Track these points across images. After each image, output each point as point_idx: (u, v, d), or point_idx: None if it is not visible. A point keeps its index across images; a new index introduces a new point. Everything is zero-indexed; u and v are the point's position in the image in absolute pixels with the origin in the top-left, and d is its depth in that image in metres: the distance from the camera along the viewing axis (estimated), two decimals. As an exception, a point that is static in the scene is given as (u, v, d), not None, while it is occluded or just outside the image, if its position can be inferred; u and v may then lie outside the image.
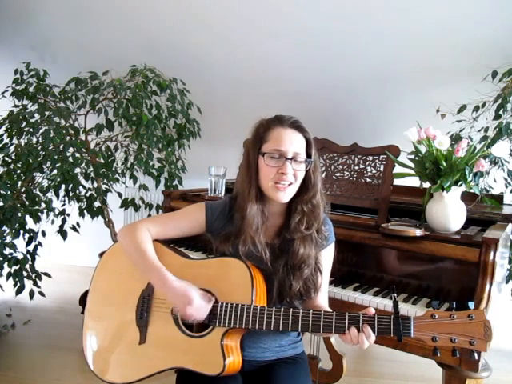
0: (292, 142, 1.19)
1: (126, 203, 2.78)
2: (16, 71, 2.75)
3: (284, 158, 1.18)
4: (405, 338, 1.02)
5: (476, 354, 0.99)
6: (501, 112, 2.27)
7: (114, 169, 2.69)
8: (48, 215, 2.60)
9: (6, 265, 2.39)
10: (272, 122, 1.23)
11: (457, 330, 0.99)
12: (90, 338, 1.31)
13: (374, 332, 1.04)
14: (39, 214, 2.49)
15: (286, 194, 1.20)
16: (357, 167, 1.82)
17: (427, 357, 1.35)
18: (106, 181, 2.69)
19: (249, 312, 1.13)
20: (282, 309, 1.12)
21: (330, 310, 1.21)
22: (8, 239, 2.39)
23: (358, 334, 1.05)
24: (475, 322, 0.98)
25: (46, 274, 2.54)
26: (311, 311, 1.11)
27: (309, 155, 1.23)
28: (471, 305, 1.01)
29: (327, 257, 1.30)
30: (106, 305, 1.32)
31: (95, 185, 2.70)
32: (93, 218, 2.70)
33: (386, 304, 1.45)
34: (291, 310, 1.12)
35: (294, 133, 1.21)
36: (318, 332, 1.10)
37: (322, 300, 1.28)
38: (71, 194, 2.62)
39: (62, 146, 2.46)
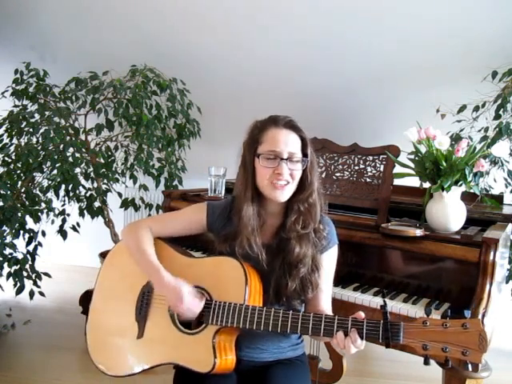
0: (287, 143, 1.19)
1: (126, 203, 2.78)
2: (16, 71, 2.74)
3: (279, 159, 1.17)
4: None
5: (470, 365, 0.96)
6: (501, 112, 2.27)
7: (114, 169, 2.69)
8: (48, 215, 2.60)
9: (6, 265, 2.38)
10: (266, 122, 1.22)
11: (449, 338, 0.95)
12: (93, 331, 1.34)
13: (362, 337, 1.02)
14: (39, 213, 2.49)
15: (283, 193, 1.20)
16: (357, 167, 1.82)
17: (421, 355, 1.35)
18: (106, 181, 2.69)
19: (240, 311, 1.14)
20: (273, 309, 1.12)
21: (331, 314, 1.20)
22: (8, 239, 2.39)
23: (345, 338, 1.03)
24: (470, 332, 0.93)
25: (46, 274, 2.54)
26: (301, 313, 1.10)
27: (305, 154, 1.22)
28: (467, 313, 0.98)
29: (329, 260, 1.28)
30: (109, 300, 1.35)
31: (95, 185, 2.70)
32: (93, 218, 2.70)
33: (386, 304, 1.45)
34: (282, 310, 1.11)
35: (289, 132, 1.20)
36: (307, 334, 1.09)
37: (324, 305, 1.26)
38: (71, 194, 2.62)
39: (62, 145, 2.45)
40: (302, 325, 1.09)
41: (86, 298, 1.39)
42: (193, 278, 1.23)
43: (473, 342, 0.93)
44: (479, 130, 2.38)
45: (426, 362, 0.99)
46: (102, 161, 2.65)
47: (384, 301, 1.04)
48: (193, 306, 1.17)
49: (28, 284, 2.47)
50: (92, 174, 2.64)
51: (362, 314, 1.06)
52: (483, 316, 1.31)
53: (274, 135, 1.19)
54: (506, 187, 2.47)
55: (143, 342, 1.26)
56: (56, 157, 2.44)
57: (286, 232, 1.22)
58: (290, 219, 1.22)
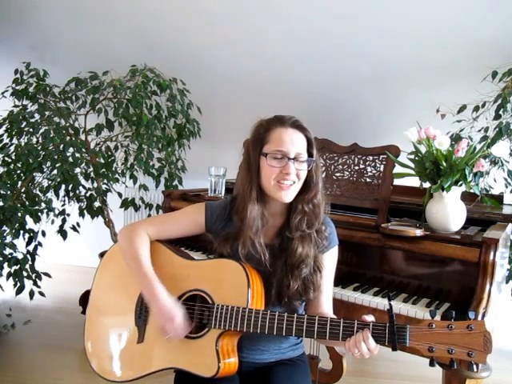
0: (294, 142, 1.18)
1: (126, 203, 2.79)
2: (16, 71, 2.75)
3: (287, 159, 1.17)
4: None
5: (475, 366, 0.96)
6: (501, 112, 2.27)
7: (114, 169, 2.69)
8: (48, 215, 2.60)
9: (6, 265, 2.38)
10: (272, 122, 1.21)
11: (455, 340, 0.95)
12: (91, 336, 1.32)
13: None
14: (39, 213, 2.49)
15: (288, 194, 1.19)
16: (357, 167, 1.82)
17: (427, 357, 1.35)
18: (106, 181, 2.69)
19: (244, 314, 1.13)
20: (277, 312, 1.11)
21: (334, 317, 1.19)
22: (8, 239, 2.39)
23: (357, 339, 1.02)
24: (474, 333, 0.94)
25: (46, 274, 2.54)
26: (305, 316, 1.10)
27: (310, 154, 1.22)
28: (471, 315, 0.97)
29: (330, 260, 1.28)
30: (107, 304, 1.33)
31: (95, 185, 2.70)
32: (93, 218, 2.71)
33: (386, 304, 1.43)
34: (286, 314, 1.11)
35: (296, 132, 1.19)
36: (312, 337, 1.09)
37: (325, 306, 1.26)
38: (71, 194, 2.62)
39: (62, 146, 2.46)
40: (308, 328, 1.08)
41: (86, 298, 1.37)
42: (193, 280, 1.22)
43: (478, 344, 0.94)
44: (479, 130, 2.38)
45: (432, 364, 0.99)
46: (102, 161, 2.65)
47: (390, 304, 1.04)
48: (180, 328, 1.17)
49: (28, 284, 2.47)
50: (92, 174, 2.64)
51: (367, 318, 1.05)
52: (483, 316, 1.31)
53: (280, 135, 1.18)
54: (506, 187, 2.47)
55: (144, 346, 1.24)
56: (56, 157, 2.44)
57: (290, 232, 1.21)
58: (294, 219, 1.21)
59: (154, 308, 1.20)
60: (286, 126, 1.19)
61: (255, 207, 1.20)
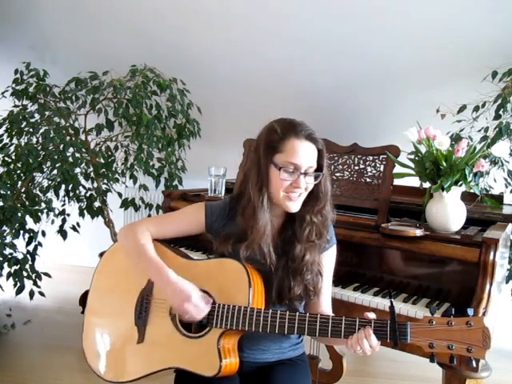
0: (307, 156, 1.17)
1: (126, 203, 2.79)
2: (16, 71, 2.75)
3: (298, 172, 1.16)
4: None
5: (474, 362, 0.97)
6: (501, 112, 2.27)
7: (114, 169, 2.69)
8: (48, 215, 2.60)
9: (6, 265, 2.39)
10: (287, 131, 1.17)
11: (454, 336, 0.97)
12: (89, 336, 1.31)
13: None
14: (39, 213, 2.49)
15: (296, 204, 1.19)
16: (357, 167, 1.82)
17: (427, 357, 1.35)
18: (106, 181, 2.69)
19: (245, 314, 1.13)
20: (279, 311, 1.12)
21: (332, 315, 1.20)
22: (8, 239, 2.39)
23: (359, 336, 1.03)
24: (473, 329, 0.96)
25: (46, 274, 2.54)
26: (307, 314, 1.10)
27: (320, 165, 1.21)
28: (470, 311, 0.99)
29: (329, 260, 1.29)
30: (106, 304, 1.33)
31: (95, 185, 2.71)
32: (93, 218, 2.71)
33: (386, 304, 1.45)
34: (287, 312, 1.11)
35: (309, 145, 1.18)
36: (314, 335, 1.09)
37: (325, 306, 1.27)
38: (71, 194, 2.62)
39: (62, 146, 2.46)
40: (309, 326, 1.09)
41: (86, 298, 1.37)
42: (194, 280, 1.22)
43: (477, 339, 0.95)
44: (479, 130, 2.38)
45: (432, 360, 1.01)
46: (102, 161, 2.65)
47: (391, 301, 1.04)
48: (199, 306, 1.15)
49: (28, 284, 2.47)
50: (92, 174, 2.65)
51: (369, 315, 1.06)
52: (483, 316, 1.31)
53: (294, 146, 1.16)
54: (506, 187, 2.47)
55: (144, 346, 1.24)
56: (56, 157, 2.45)
57: (299, 241, 1.21)
58: (303, 231, 1.21)
59: (169, 290, 1.18)
60: (301, 138, 1.17)
61: (266, 215, 1.19)
